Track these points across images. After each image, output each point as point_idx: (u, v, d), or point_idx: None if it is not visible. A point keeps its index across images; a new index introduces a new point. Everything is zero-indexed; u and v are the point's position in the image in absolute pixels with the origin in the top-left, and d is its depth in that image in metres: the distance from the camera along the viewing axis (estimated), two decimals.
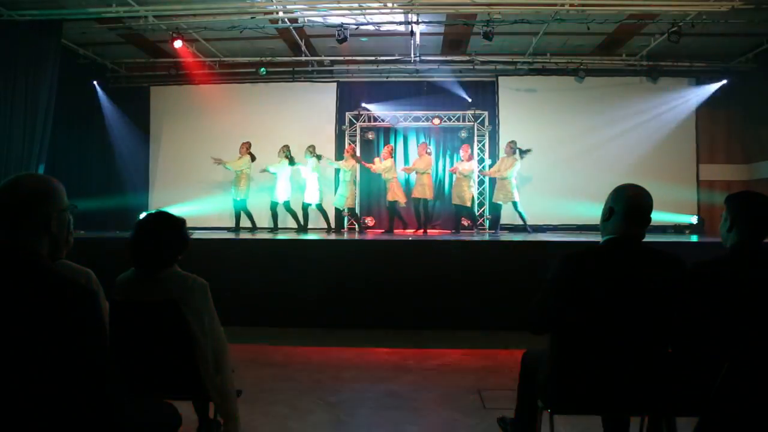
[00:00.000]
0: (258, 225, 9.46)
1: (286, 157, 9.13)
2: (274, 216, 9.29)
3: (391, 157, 9.38)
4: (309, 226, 9.38)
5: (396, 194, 9.14)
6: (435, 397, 3.60)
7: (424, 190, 8.97)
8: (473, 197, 9.50)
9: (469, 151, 9.35)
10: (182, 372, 2.19)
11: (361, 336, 5.23)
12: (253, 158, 9.30)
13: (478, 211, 10.29)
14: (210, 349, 2.27)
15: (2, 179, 1.57)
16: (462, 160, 9.17)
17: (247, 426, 2.96)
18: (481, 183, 10.52)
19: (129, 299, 2.22)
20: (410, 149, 10.91)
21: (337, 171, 9.80)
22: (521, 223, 9.13)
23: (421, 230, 9.06)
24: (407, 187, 9.85)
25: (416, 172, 9.15)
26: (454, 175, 9.37)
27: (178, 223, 2.38)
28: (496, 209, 9.33)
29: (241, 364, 3.98)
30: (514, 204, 8.94)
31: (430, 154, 9.45)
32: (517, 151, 9.05)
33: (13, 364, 1.30)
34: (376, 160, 9.55)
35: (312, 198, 9.19)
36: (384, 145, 9.99)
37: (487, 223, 10.34)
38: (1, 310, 1.32)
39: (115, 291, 2.31)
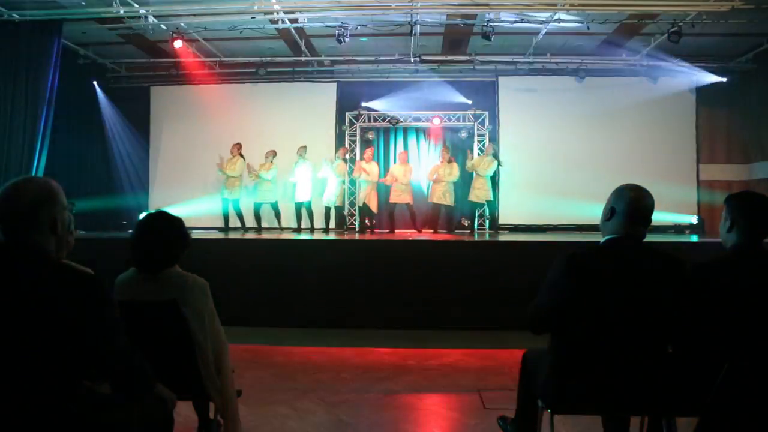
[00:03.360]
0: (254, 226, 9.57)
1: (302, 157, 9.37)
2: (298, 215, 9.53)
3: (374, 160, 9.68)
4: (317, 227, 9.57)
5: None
6: (435, 397, 3.60)
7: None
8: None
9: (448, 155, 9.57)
10: (182, 372, 2.19)
11: (361, 336, 5.23)
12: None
13: (478, 211, 10.30)
14: (210, 349, 2.27)
15: (2, 179, 1.60)
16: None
17: (247, 426, 2.96)
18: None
19: (129, 299, 2.22)
20: (410, 149, 10.90)
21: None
22: (511, 223, 9.65)
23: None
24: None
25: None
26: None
27: (178, 222, 2.38)
28: (472, 208, 9.72)
29: (241, 364, 3.98)
30: (490, 203, 9.35)
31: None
32: (497, 155, 9.44)
33: (35, 348, 1.45)
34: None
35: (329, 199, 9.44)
36: (384, 146, 10.10)
37: (487, 224, 10.34)
38: (20, 301, 1.45)
39: (116, 291, 2.31)
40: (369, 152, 9.78)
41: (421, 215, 9.89)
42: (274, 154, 9.39)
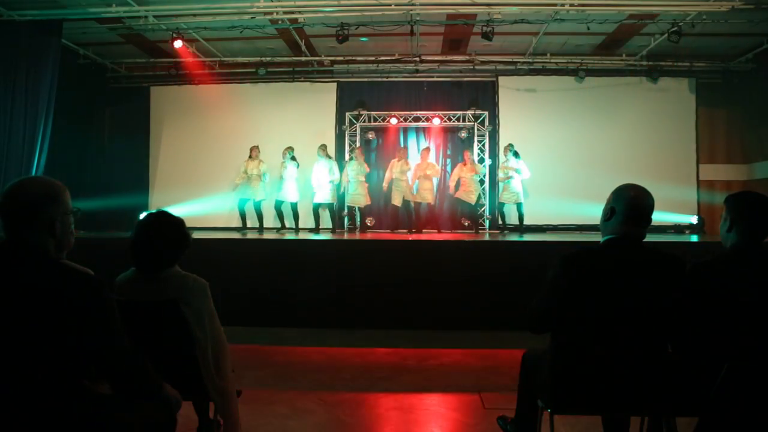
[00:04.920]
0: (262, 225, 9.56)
1: (292, 158, 9.30)
2: (280, 215, 9.43)
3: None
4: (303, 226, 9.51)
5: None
6: (435, 397, 3.60)
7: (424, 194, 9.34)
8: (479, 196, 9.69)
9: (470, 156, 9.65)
10: (182, 372, 2.19)
11: (361, 336, 5.23)
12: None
13: (479, 210, 10.31)
14: (210, 349, 2.27)
15: (2, 180, 1.61)
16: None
17: (247, 426, 2.96)
18: (480, 183, 10.52)
19: (129, 299, 2.22)
20: (410, 150, 10.89)
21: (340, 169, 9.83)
22: (511, 223, 9.54)
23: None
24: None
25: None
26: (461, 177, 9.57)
27: (179, 222, 2.38)
28: (500, 209, 9.68)
29: (241, 364, 3.98)
30: (519, 205, 9.28)
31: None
32: (512, 153, 9.39)
33: (33, 347, 1.45)
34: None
35: (323, 197, 9.35)
36: (384, 146, 10.13)
37: (487, 223, 10.35)
38: (19, 300, 1.45)
39: (116, 291, 2.31)
40: (403, 151, 9.76)
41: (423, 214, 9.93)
42: (289, 150, 9.36)
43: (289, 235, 8.52)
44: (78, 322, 1.48)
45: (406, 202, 9.42)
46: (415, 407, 3.43)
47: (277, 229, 9.36)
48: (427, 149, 9.88)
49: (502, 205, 9.56)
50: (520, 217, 9.29)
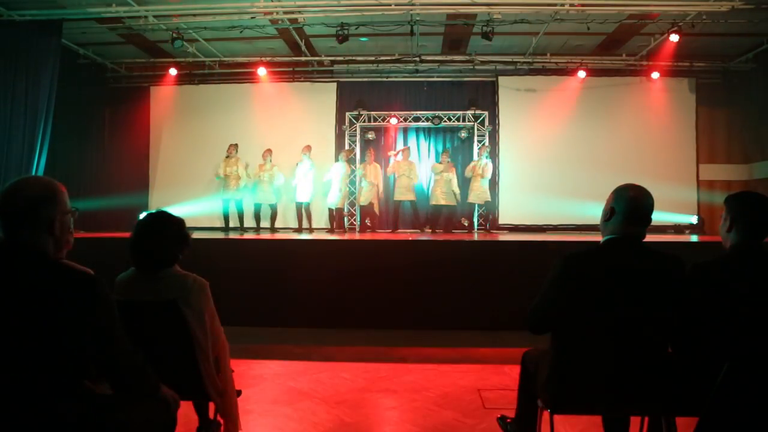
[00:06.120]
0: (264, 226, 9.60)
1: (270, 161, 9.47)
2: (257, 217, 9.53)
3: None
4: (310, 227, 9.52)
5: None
6: (435, 397, 3.60)
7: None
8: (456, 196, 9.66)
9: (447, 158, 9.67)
10: (182, 372, 2.19)
11: (361, 336, 5.23)
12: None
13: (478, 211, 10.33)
14: (210, 349, 2.27)
15: (2, 180, 1.61)
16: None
17: (247, 426, 2.96)
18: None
19: (129, 299, 2.22)
20: (410, 150, 10.88)
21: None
22: (511, 223, 9.76)
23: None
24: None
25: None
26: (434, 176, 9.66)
27: (178, 222, 2.38)
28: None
29: (242, 364, 3.98)
30: (487, 203, 9.48)
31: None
32: (486, 155, 9.62)
33: (33, 347, 1.46)
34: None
35: (305, 197, 9.41)
36: (384, 146, 10.18)
37: (487, 224, 10.35)
38: (19, 300, 1.46)
39: (116, 291, 2.31)
40: (371, 153, 9.83)
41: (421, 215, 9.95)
42: (270, 153, 9.42)
43: (289, 235, 8.52)
44: (77, 322, 1.48)
45: (369, 204, 9.52)
46: (414, 407, 3.43)
47: (245, 230, 9.43)
48: (407, 149, 9.87)
49: (471, 205, 9.71)
50: (488, 218, 9.36)
